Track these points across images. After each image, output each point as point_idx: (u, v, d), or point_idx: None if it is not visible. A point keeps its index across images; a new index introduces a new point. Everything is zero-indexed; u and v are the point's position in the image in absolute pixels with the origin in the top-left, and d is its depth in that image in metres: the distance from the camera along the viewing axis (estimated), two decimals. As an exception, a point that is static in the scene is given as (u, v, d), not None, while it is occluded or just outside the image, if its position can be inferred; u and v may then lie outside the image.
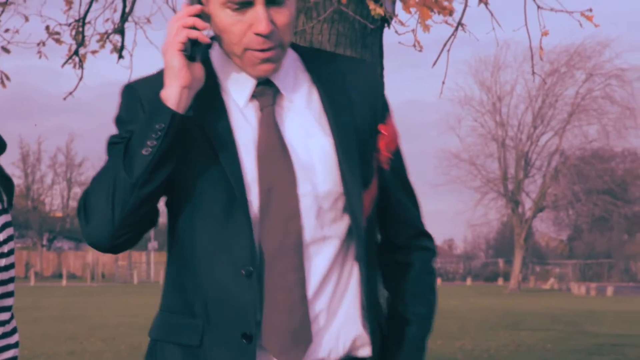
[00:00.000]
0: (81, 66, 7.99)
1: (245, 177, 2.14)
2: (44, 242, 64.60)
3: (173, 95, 2.13)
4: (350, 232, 2.20)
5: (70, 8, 8.03)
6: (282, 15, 2.15)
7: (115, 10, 8.30)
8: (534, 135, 51.71)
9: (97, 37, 8.17)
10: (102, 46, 8.19)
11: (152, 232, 63.40)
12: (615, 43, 68.77)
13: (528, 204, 52.16)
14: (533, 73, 6.43)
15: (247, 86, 2.21)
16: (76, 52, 7.95)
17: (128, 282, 56.59)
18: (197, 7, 2.16)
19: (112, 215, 2.13)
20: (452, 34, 5.72)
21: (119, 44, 8.18)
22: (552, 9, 5.72)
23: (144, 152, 2.12)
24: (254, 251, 2.12)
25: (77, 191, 63.86)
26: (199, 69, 2.16)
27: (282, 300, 2.13)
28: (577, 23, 5.52)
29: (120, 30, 8.04)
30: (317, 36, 5.44)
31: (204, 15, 2.18)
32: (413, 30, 5.65)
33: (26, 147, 63.31)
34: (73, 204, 64.46)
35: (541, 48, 5.73)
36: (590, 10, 5.43)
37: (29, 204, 62.65)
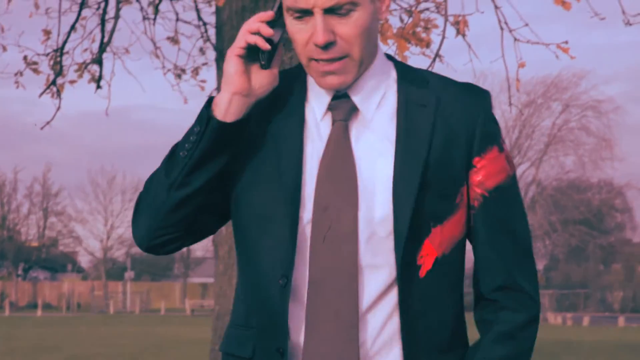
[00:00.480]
0: (59, 96, 7.98)
1: (303, 191, 2.09)
2: (19, 272, 64.12)
3: (223, 101, 2.10)
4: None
5: (48, 38, 8.02)
6: (346, 26, 2.04)
7: (93, 41, 8.30)
8: (510, 166, 51.87)
9: (75, 67, 8.17)
10: (80, 76, 8.19)
11: (128, 262, 63.10)
12: (591, 75, 69.41)
13: (505, 234, 52.25)
14: (510, 104, 6.47)
15: (325, 98, 2.14)
16: (54, 82, 7.94)
17: (104, 312, 56.24)
18: (269, 13, 2.12)
19: (150, 213, 2.15)
20: (430, 65, 5.76)
21: (97, 74, 8.18)
22: (528, 41, 5.76)
23: (181, 154, 2.12)
24: (291, 263, 2.07)
25: (53, 220, 63.56)
26: (265, 76, 2.12)
27: (327, 325, 2.06)
28: (553, 55, 5.57)
29: (99, 60, 8.04)
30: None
31: (280, 22, 2.12)
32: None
33: (2, 176, 62.95)
34: (49, 233, 64.15)
35: (518, 79, 5.77)
36: (566, 42, 5.48)
37: (4, 234, 62.23)
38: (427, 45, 5.71)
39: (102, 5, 8.16)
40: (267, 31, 2.09)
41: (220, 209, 2.19)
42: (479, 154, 2.11)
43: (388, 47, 5.65)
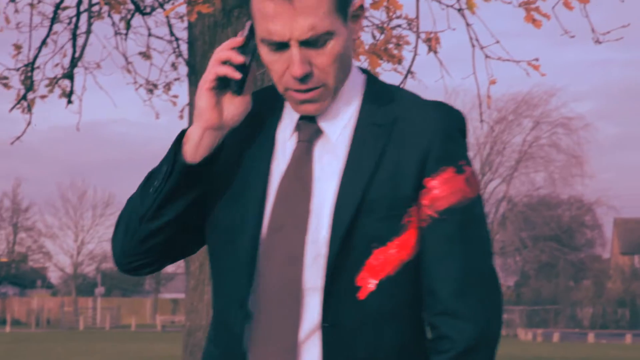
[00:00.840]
0: (29, 111, 7.94)
1: (265, 212, 2.07)
2: (-12, 287, 63.60)
3: (194, 136, 2.08)
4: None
5: (19, 53, 7.99)
6: (323, 57, 2.01)
7: (64, 55, 8.27)
8: (482, 182, 52.09)
9: (46, 81, 8.13)
10: (51, 91, 8.15)
11: (99, 277, 62.73)
12: (561, 92, 69.85)
13: (476, 250, 52.43)
14: (481, 120, 6.50)
15: (294, 118, 2.11)
16: (24, 97, 7.90)
17: (74, 328, 55.85)
18: (238, 40, 2.08)
19: (124, 239, 2.16)
20: (402, 82, 5.78)
21: (68, 89, 8.15)
22: (499, 58, 5.79)
23: (151, 190, 2.11)
24: (248, 285, 2.05)
25: (23, 236, 63.15)
26: (236, 105, 2.09)
27: (274, 346, 2.04)
28: (524, 72, 5.60)
29: (70, 75, 8.01)
30: (270, 82, 5.45)
31: (250, 45, 2.08)
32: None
33: (-28, 191, 62.45)
34: (19, 249, 63.69)
35: (489, 96, 5.80)
36: (537, 59, 5.51)
37: (-27, 249, 61.73)
38: (399, 61, 5.74)
39: (74, 20, 8.13)
40: (238, 59, 2.06)
41: (198, 229, 2.18)
42: (430, 174, 2.03)
43: (360, 63, 5.67)
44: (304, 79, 2.01)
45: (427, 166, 2.03)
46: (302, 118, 2.10)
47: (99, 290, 61.12)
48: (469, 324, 2.01)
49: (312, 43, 2.00)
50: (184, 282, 6.70)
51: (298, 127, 2.11)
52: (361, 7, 2.09)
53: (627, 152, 78.80)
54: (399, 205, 2.02)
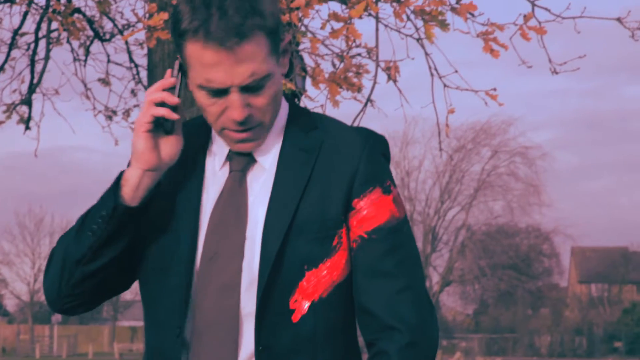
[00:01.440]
0: (-14, 136, 7.88)
1: (198, 241, 2.08)
2: (-57, 315, 62.79)
3: (133, 178, 2.09)
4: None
5: (-24, 78, 7.93)
6: (261, 98, 2.05)
7: (22, 81, 8.22)
8: (441, 210, 52.30)
9: (4, 107, 8.07)
10: (9, 117, 8.09)
11: (56, 306, 61.97)
12: (519, 122, 70.42)
13: (435, 278, 52.59)
14: (440, 149, 6.53)
15: (225, 149, 2.13)
16: (-19, 123, 7.84)
17: (30, 356, 55.20)
18: (171, 81, 2.10)
19: (60, 282, 2.14)
20: (362, 110, 5.79)
21: (26, 115, 8.09)
22: (458, 88, 5.83)
23: (88, 232, 2.10)
24: (183, 315, 2.06)
25: (-21, 263, 62.36)
26: (171, 144, 2.10)
27: None
28: (482, 101, 5.63)
29: (28, 101, 7.96)
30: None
31: (180, 82, 2.10)
32: (322, 106, 5.71)
33: None
34: (-26, 276, 62.87)
35: (447, 125, 5.83)
36: (495, 89, 5.55)
37: None
38: (359, 90, 5.75)
39: (32, 46, 8.09)
40: (173, 100, 2.08)
41: (130, 266, 2.18)
42: (358, 195, 2.07)
43: (320, 91, 5.68)
44: (244, 121, 2.04)
45: (354, 188, 2.07)
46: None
47: (56, 318, 60.45)
48: (405, 336, 2.04)
49: (251, 88, 2.03)
50: (142, 309, 6.65)
51: (229, 157, 2.13)
52: (289, 42, 2.13)
53: (584, 181, 79.55)
54: (329, 226, 2.06)
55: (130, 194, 2.09)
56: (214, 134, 2.17)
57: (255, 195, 2.10)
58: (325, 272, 2.06)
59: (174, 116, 2.08)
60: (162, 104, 2.09)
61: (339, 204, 2.07)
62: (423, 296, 2.10)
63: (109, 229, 2.09)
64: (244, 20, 1.99)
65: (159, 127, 2.10)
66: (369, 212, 2.07)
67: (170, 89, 2.11)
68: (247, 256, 2.06)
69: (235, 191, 2.10)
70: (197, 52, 2.02)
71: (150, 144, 2.08)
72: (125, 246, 2.11)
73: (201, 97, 2.07)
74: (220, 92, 2.04)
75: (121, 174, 2.11)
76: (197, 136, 2.18)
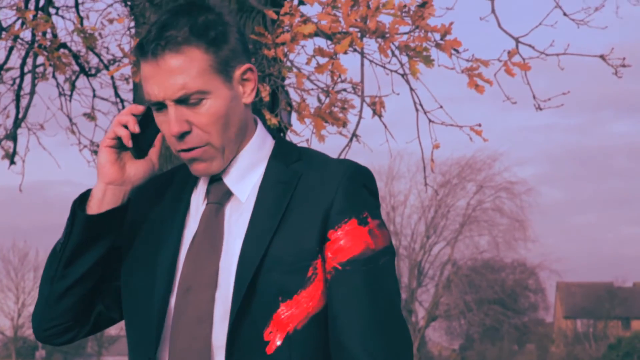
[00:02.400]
0: (-29, 171, 7.85)
1: (176, 274, 2.10)
2: None
3: (97, 192, 2.13)
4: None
5: (-39, 113, 7.92)
6: (200, 115, 2.06)
7: (7, 116, 8.22)
8: (427, 245, 52.25)
9: (-12, 142, 8.05)
10: (-7, 151, 8.07)
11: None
12: (504, 157, 70.55)
13: (421, 313, 52.46)
14: (426, 184, 6.53)
15: (205, 184, 2.17)
16: (-34, 157, 7.81)
17: (13, 392, 54.70)
18: (139, 108, 2.15)
19: (40, 304, 2.19)
20: (347, 145, 5.80)
21: (11, 150, 8.08)
22: (443, 123, 5.84)
23: (58, 248, 2.15)
24: (155, 346, 2.07)
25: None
26: (138, 166, 2.15)
27: None
28: (467, 136, 5.65)
29: (13, 136, 7.94)
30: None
31: (152, 114, 2.14)
32: (307, 140, 5.72)
33: None
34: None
35: (432, 160, 5.84)
36: (480, 125, 5.57)
37: None
38: (344, 124, 5.76)
39: (18, 81, 8.09)
40: (135, 128, 2.13)
41: (113, 295, 2.21)
42: (333, 226, 2.07)
43: (305, 126, 5.69)
44: (181, 137, 2.07)
45: (330, 219, 2.07)
46: (211, 182, 2.15)
47: (40, 353, 60.03)
48: None
49: (185, 102, 2.05)
50: (127, 345, 6.61)
51: (208, 191, 2.16)
52: (250, 70, 2.14)
53: (570, 217, 79.72)
54: (303, 257, 2.05)
55: (95, 208, 2.13)
56: (208, 184, 2.19)
57: (232, 227, 2.11)
58: (300, 303, 2.04)
59: (129, 143, 2.12)
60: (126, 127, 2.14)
61: (314, 235, 2.06)
62: (397, 329, 2.07)
63: (73, 240, 2.12)
64: (177, 33, 2.04)
65: (124, 148, 2.15)
66: (343, 243, 2.07)
67: (141, 117, 2.16)
68: (222, 287, 2.07)
69: (212, 223, 2.12)
70: (141, 67, 2.09)
71: (112, 159, 2.13)
72: (95, 262, 2.14)
73: (156, 117, 2.12)
74: (161, 107, 2.08)
75: (88, 191, 2.16)
76: (186, 173, 2.20)
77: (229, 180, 2.14)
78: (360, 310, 2.05)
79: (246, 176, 2.14)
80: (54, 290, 2.16)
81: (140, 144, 2.16)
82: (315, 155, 2.19)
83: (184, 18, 2.07)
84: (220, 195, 2.14)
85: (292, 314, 2.04)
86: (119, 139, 2.13)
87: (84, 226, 2.12)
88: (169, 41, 2.05)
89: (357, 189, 2.12)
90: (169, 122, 2.07)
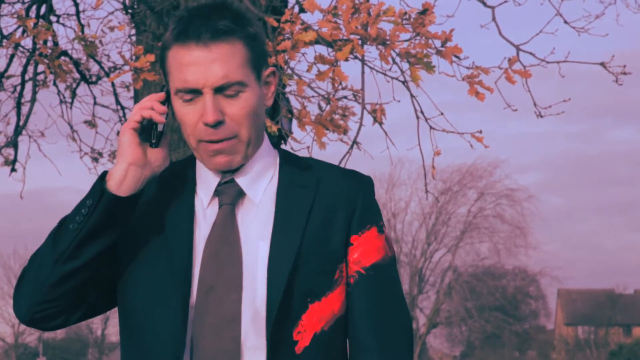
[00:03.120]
0: (-28, 178, 7.87)
1: (193, 274, 2.11)
2: None
3: (118, 172, 2.11)
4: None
5: (-38, 120, 7.92)
6: (235, 107, 2.09)
7: (8, 123, 8.23)
8: (427, 252, 52.23)
9: (-11, 149, 8.05)
10: (-6, 159, 8.07)
11: (40, 347, 61.71)
12: (505, 164, 70.29)
13: (422, 319, 52.41)
14: (426, 191, 6.53)
15: (212, 185, 2.18)
16: (-33, 164, 7.82)
17: (13, 400, 54.64)
18: (161, 94, 2.16)
19: (34, 286, 2.13)
20: (348, 152, 5.80)
21: (12, 157, 8.08)
22: (444, 130, 5.84)
23: (71, 226, 2.10)
24: (181, 347, 2.07)
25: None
26: (157, 153, 2.15)
27: None
28: (468, 144, 5.65)
29: (14, 144, 7.95)
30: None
31: (168, 107, 2.17)
32: (308, 147, 5.72)
33: None
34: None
35: (433, 167, 5.83)
36: (480, 131, 5.56)
37: None
38: (345, 132, 5.76)
39: (19, 88, 8.09)
40: (160, 108, 2.13)
41: (107, 286, 2.19)
42: (357, 232, 2.16)
43: (306, 133, 5.69)
44: (216, 125, 2.08)
45: (353, 225, 2.16)
46: (221, 184, 2.16)
47: (41, 359, 60.03)
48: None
49: (224, 91, 2.08)
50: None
51: (217, 192, 2.17)
52: (273, 74, 2.19)
53: (571, 224, 79.64)
54: (331, 260, 2.13)
55: (115, 187, 2.10)
56: (199, 173, 2.21)
57: (249, 229, 2.13)
58: (327, 304, 2.12)
59: (161, 119, 2.12)
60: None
61: (340, 239, 2.14)
62: (410, 333, 2.20)
63: (94, 219, 2.09)
64: (223, 23, 2.08)
65: (145, 138, 2.16)
66: (365, 248, 2.16)
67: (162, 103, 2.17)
68: (247, 289, 2.09)
69: (227, 225, 2.13)
70: (176, 54, 2.09)
71: (136, 140, 2.13)
72: (105, 247, 2.11)
73: (179, 108, 2.12)
74: (195, 95, 2.09)
75: (104, 173, 2.14)
76: (183, 175, 2.22)
77: (243, 181, 2.17)
78: (382, 313, 2.15)
79: (258, 178, 2.18)
80: (57, 271, 2.10)
81: (157, 133, 2.17)
82: (323, 164, 2.26)
83: (225, 11, 2.11)
84: (232, 196, 2.16)
85: (320, 315, 2.11)
86: (141, 124, 2.14)
87: (107, 206, 2.09)
88: (217, 29, 2.08)
89: (373, 198, 2.23)
90: (205, 110, 2.08)
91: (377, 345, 2.14)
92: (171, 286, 2.10)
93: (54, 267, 2.11)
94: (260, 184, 2.17)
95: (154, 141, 2.16)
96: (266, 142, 2.22)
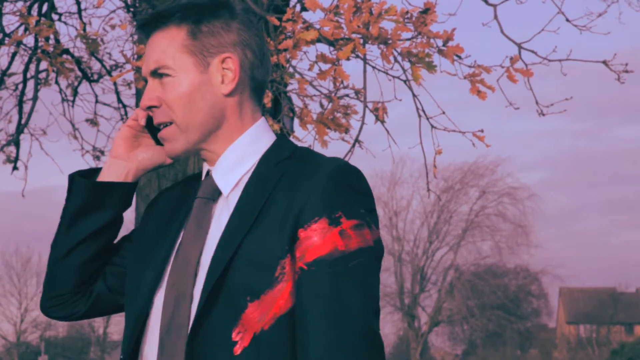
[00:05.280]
0: (-27, 176, 7.86)
1: (165, 272, 2.15)
2: None
3: (104, 166, 2.26)
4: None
5: (-36, 118, 7.92)
6: (166, 91, 2.15)
7: (10, 121, 8.23)
8: (429, 251, 52.22)
9: (-9, 147, 8.06)
10: (-4, 157, 8.08)
11: (42, 345, 61.73)
12: (506, 162, 70.45)
13: (424, 318, 52.41)
14: (428, 190, 6.53)
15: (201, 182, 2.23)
16: (-31, 163, 7.82)
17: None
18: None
19: (46, 274, 2.28)
20: (350, 150, 5.80)
21: (14, 155, 8.08)
22: (445, 129, 5.84)
23: (63, 206, 2.26)
24: (130, 344, 2.12)
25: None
26: (151, 152, 2.26)
27: None
28: (470, 142, 5.65)
29: (15, 142, 7.95)
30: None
31: None
32: (310, 146, 5.71)
33: None
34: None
35: (435, 166, 5.83)
36: (482, 130, 5.56)
37: None
38: (347, 130, 5.76)
39: (20, 86, 8.10)
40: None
41: (114, 283, 2.29)
42: (302, 225, 2.01)
43: (308, 132, 5.69)
44: (149, 109, 2.17)
45: (301, 218, 2.02)
46: (205, 178, 2.19)
47: (43, 358, 60.04)
48: None
49: (156, 76, 2.16)
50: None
51: (202, 189, 2.19)
52: (230, 59, 2.16)
53: (574, 222, 79.57)
54: (271, 256, 2.01)
55: (100, 177, 2.26)
56: (203, 179, 2.23)
57: (218, 223, 2.12)
58: (267, 303, 2.00)
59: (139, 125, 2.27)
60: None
61: (284, 233, 2.02)
62: (365, 340, 1.99)
63: (72, 202, 2.24)
64: (166, 14, 2.16)
65: (145, 131, 2.26)
66: (311, 243, 2.01)
67: None
68: (199, 284, 2.07)
69: (199, 218, 2.14)
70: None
71: (126, 135, 2.25)
72: (95, 229, 2.23)
73: None
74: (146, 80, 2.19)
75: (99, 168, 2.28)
76: (192, 184, 2.25)
77: (216, 174, 2.16)
78: (323, 313, 1.98)
79: (232, 171, 2.15)
80: (56, 253, 2.26)
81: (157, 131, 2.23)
82: (308, 154, 2.16)
83: (179, 2, 2.19)
84: (209, 191, 2.16)
85: (260, 314, 2.00)
86: (147, 122, 2.24)
87: (81, 191, 2.23)
88: (154, 18, 2.18)
89: (335, 187, 2.05)
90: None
91: (319, 348, 1.97)
92: (142, 283, 2.14)
93: (55, 251, 2.27)
94: (233, 176, 2.14)
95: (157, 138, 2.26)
96: (251, 132, 2.18)
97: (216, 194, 2.15)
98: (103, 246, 2.28)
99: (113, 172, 2.25)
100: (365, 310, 2.00)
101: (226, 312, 2.00)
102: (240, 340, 1.99)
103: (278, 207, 2.04)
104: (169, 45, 2.15)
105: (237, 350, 1.99)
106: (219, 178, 2.15)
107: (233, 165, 2.15)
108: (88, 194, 2.23)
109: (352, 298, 2.00)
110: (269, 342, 2.00)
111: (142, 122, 2.23)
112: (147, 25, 2.18)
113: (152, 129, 2.24)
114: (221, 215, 2.12)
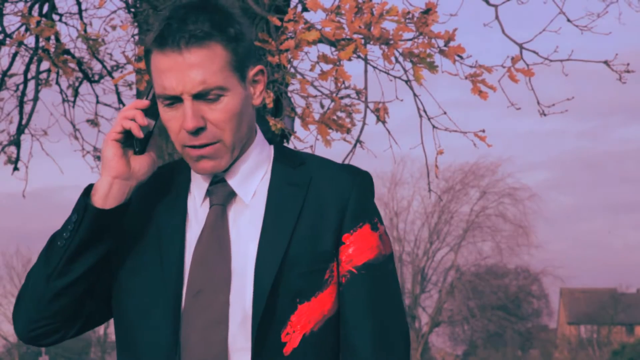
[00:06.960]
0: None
1: (184, 277, 2.09)
2: None
3: (103, 186, 2.10)
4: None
5: (-36, 119, 7.92)
6: (215, 112, 2.06)
7: (11, 122, 8.23)
8: (430, 251, 52.21)
9: (-8, 148, 8.06)
10: (-3, 158, 8.08)
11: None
12: (507, 163, 70.45)
13: (424, 319, 52.41)
14: (429, 190, 6.53)
15: (204, 185, 2.16)
16: (-31, 163, 7.82)
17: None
18: (145, 102, 2.13)
19: (30, 304, 2.12)
20: (351, 151, 5.80)
21: (15, 156, 8.09)
22: (447, 129, 5.84)
23: (59, 243, 2.10)
24: (173, 352, 2.06)
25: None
26: (141, 161, 2.13)
27: None
28: (471, 142, 5.64)
29: (16, 142, 7.95)
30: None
31: (154, 110, 2.14)
32: (311, 147, 5.71)
33: None
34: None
35: (436, 166, 5.83)
36: (483, 130, 5.56)
37: None
38: (348, 131, 5.76)
39: (21, 87, 8.10)
40: (142, 120, 2.11)
41: (104, 297, 2.18)
42: (348, 230, 2.11)
43: (309, 132, 5.69)
44: (196, 132, 2.06)
45: (345, 223, 2.11)
46: (212, 183, 2.14)
47: (43, 359, 60.07)
48: None
49: (204, 97, 2.05)
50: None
51: (209, 193, 2.15)
52: (262, 72, 2.15)
53: (574, 222, 79.44)
54: (320, 260, 2.08)
55: (100, 202, 2.09)
56: (193, 173, 2.18)
57: (238, 230, 2.11)
58: (316, 305, 2.08)
59: (140, 134, 2.10)
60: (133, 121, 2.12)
61: (330, 238, 2.10)
62: (405, 336, 2.14)
63: (81, 234, 2.08)
64: (201, 27, 2.04)
65: (129, 144, 2.13)
66: (357, 247, 2.11)
67: (144, 111, 2.14)
68: (236, 291, 2.07)
69: (218, 226, 2.11)
70: (155, 60, 2.07)
71: (119, 152, 2.11)
72: (96, 261, 2.10)
73: (163, 113, 2.10)
74: (175, 101, 2.06)
75: (91, 185, 2.13)
76: (177, 177, 2.20)
77: (233, 181, 2.14)
78: (374, 315, 2.10)
79: (250, 177, 2.15)
80: (50, 288, 2.10)
81: (140, 140, 2.14)
82: (318, 159, 2.20)
83: (203, 13, 2.07)
84: (223, 196, 2.14)
85: (308, 315, 2.07)
86: (124, 134, 2.12)
87: (93, 220, 2.08)
88: (193, 35, 2.04)
89: (367, 194, 2.17)
90: (185, 117, 2.05)
91: (370, 348, 2.09)
92: (162, 291, 2.09)
93: (47, 284, 2.11)
94: (251, 183, 2.14)
95: (137, 149, 2.14)
96: (259, 138, 2.19)
97: (228, 200, 2.14)
98: (101, 270, 2.16)
99: (115, 193, 2.10)
100: (403, 310, 2.16)
101: (277, 315, 2.06)
102: (290, 341, 2.06)
103: (317, 212, 2.11)
104: (213, 63, 2.05)
105: (287, 351, 2.06)
106: (237, 185, 2.14)
107: (250, 172, 2.15)
108: (96, 224, 2.09)
109: (395, 299, 2.15)
110: (317, 343, 2.08)
111: (144, 121, 2.12)
112: (178, 42, 2.04)
113: (131, 136, 2.15)
114: (237, 221, 2.12)
